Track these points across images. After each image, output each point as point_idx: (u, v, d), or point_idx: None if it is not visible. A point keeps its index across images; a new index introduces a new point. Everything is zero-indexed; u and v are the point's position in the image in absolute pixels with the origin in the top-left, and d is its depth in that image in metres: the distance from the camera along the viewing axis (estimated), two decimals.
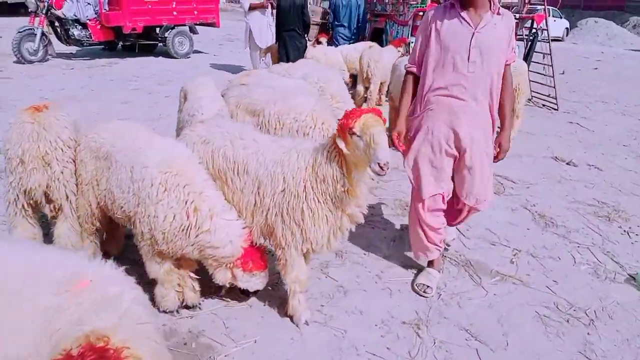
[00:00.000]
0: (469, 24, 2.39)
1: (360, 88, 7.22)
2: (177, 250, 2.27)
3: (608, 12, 27.81)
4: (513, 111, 2.48)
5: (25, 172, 2.35)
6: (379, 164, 1.97)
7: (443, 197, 2.73)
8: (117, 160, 2.33)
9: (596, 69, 13.48)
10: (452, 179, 2.73)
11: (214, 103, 3.15)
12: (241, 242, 2.30)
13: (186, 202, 2.20)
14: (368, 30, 8.79)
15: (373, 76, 6.90)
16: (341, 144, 2.05)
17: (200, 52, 12.64)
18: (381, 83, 7.12)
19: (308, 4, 9.91)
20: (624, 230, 3.73)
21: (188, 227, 2.21)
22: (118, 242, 2.96)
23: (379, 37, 8.63)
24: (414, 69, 2.66)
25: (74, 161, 2.50)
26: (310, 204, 2.15)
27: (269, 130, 3.45)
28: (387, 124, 3.35)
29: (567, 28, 23.56)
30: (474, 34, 2.39)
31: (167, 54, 11.35)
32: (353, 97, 7.43)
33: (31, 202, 2.46)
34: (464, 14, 2.40)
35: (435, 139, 2.59)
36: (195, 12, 11.57)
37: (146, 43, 11.50)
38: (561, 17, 22.92)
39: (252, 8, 8.21)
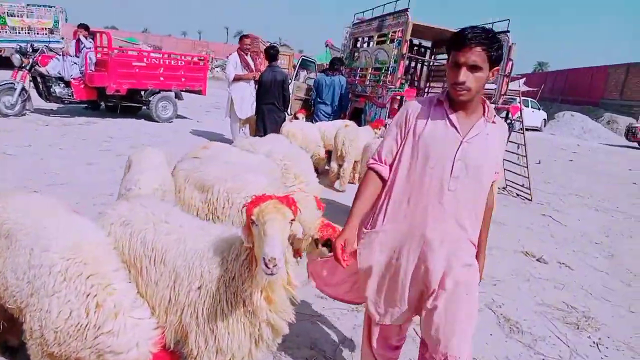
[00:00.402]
0: (457, 131, 1.91)
1: (334, 165, 7.15)
2: (70, 353, 1.93)
3: (584, 106, 29.32)
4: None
5: None
6: (264, 258, 1.66)
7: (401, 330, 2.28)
8: (18, 240, 2.05)
9: (572, 160, 13.81)
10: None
11: (155, 177, 2.92)
12: (150, 346, 1.97)
13: (87, 296, 1.90)
14: (349, 109, 8.92)
15: (347, 154, 6.86)
16: (242, 234, 1.80)
17: (184, 117, 12.71)
18: (356, 162, 7.07)
19: (293, 80, 10.16)
20: (594, 342, 3.45)
21: (86, 326, 1.89)
22: (19, 331, 2.58)
23: (358, 116, 8.74)
24: (381, 169, 2.06)
25: None
26: (224, 307, 1.86)
27: (217, 208, 3.24)
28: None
29: (544, 119, 24.61)
30: (461, 143, 1.90)
31: (150, 117, 11.35)
32: (328, 173, 7.39)
33: None
34: (452, 116, 1.92)
35: (402, 271, 2.03)
36: (183, 79, 11.75)
37: (129, 105, 11.52)
38: (539, 109, 24.00)
39: (237, 79, 8.32)
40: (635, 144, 20.47)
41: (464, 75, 1.80)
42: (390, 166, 2.06)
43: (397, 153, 2.04)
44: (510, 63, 7.88)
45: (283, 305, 1.89)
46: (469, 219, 1.97)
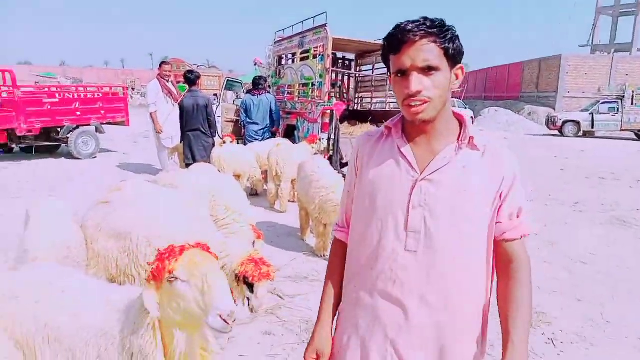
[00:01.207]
0: (410, 166, 1.31)
1: (271, 186, 6.92)
2: None
3: (506, 101, 31.16)
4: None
5: None
6: (220, 315, 1.41)
7: None
8: None
9: None
10: None
11: (56, 233, 2.54)
12: None
13: None
14: (281, 126, 8.74)
15: (283, 174, 6.65)
16: (149, 302, 1.49)
17: (109, 150, 11.98)
18: (293, 180, 6.87)
19: (220, 102, 9.84)
20: (548, 338, 3.42)
21: None
22: None
23: (292, 133, 8.58)
24: (343, 236, 1.53)
25: None
26: None
27: (138, 257, 2.89)
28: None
29: (472, 117, 25.81)
30: (415, 183, 1.29)
31: (71, 155, 10.55)
32: (267, 194, 7.14)
33: None
34: (404, 147, 1.33)
35: None
36: (102, 112, 11.07)
37: (46, 144, 10.66)
38: (466, 107, 25.15)
39: (152, 118, 7.94)
40: (556, 132, 21.87)
41: (417, 81, 1.22)
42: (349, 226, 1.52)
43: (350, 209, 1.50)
44: None
45: None
46: (445, 295, 1.28)
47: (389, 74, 1.34)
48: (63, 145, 10.81)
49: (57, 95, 10.45)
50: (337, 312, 1.50)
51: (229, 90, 10.29)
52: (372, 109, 10.21)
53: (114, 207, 3.02)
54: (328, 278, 1.53)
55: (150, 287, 1.51)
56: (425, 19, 1.25)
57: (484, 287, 1.34)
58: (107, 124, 11.47)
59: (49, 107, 10.00)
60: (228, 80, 10.45)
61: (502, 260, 1.35)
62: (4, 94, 9.65)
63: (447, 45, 1.23)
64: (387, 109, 9.73)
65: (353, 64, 10.52)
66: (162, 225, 2.89)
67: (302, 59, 8.52)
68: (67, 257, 2.52)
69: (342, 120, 7.76)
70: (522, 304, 1.30)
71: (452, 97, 8.26)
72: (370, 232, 1.35)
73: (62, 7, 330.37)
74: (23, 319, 1.81)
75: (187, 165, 6.44)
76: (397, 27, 1.26)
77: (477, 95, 37.04)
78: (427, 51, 1.22)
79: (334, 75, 9.49)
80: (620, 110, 20.22)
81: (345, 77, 10.76)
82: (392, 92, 9.66)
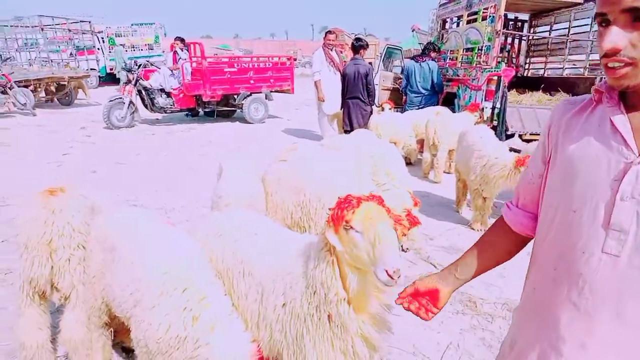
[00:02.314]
0: (625, 143, 0.97)
1: (426, 155, 6.82)
2: None
3: None
4: None
5: (29, 260, 2.22)
6: (386, 271, 1.45)
7: None
8: (121, 254, 2.13)
9: None
10: None
11: (243, 184, 2.94)
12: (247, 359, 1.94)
13: (184, 310, 1.91)
14: (441, 94, 8.46)
15: (440, 144, 6.49)
16: (333, 239, 1.60)
17: (275, 116, 13.06)
18: (451, 150, 6.66)
19: (379, 69, 9.89)
20: None
21: (185, 338, 1.90)
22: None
23: (451, 101, 8.25)
24: (510, 218, 1.31)
25: (85, 248, 2.35)
26: (309, 326, 1.73)
27: (310, 211, 3.19)
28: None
29: None
30: (630, 166, 0.96)
31: (244, 120, 11.82)
32: (421, 164, 7.07)
33: (37, 290, 2.32)
34: (618, 117, 1.00)
35: None
36: (271, 81, 12.05)
37: (225, 109, 12.08)
38: None
39: (316, 86, 8.35)
40: None
41: (614, 35, 0.91)
42: (524, 207, 1.28)
43: (541, 190, 1.20)
44: None
45: (376, 315, 1.73)
46: None
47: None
48: (238, 110, 12.13)
49: (235, 65, 11.68)
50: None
51: (388, 57, 10.25)
52: (545, 75, 9.19)
53: (290, 164, 3.36)
54: (476, 243, 1.37)
55: (330, 228, 1.64)
56: None
57: None
58: (275, 91, 12.47)
59: (229, 76, 11.25)
60: (388, 47, 10.40)
61: None
62: (194, 65, 11.13)
63: None
64: (565, 75, 8.66)
65: (526, 25, 9.53)
66: (331, 184, 3.11)
67: (468, 22, 8.02)
68: (251, 205, 2.90)
69: (509, 88, 7.17)
70: None
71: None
72: (558, 226, 1.09)
73: None
74: (225, 255, 2.17)
75: (346, 132, 6.70)
76: None
77: None
78: None
79: (503, 38, 8.73)
80: None
81: (516, 41, 9.83)
82: (573, 57, 8.55)
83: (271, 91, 12.29)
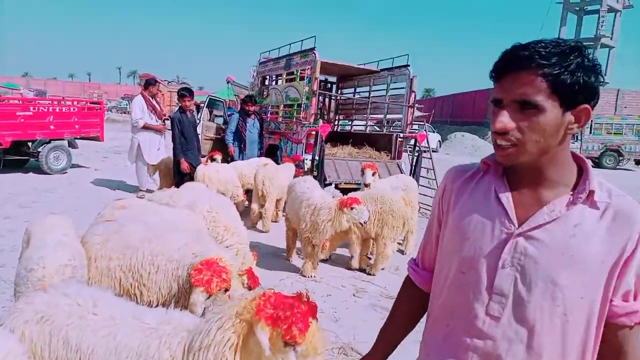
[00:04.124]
0: (506, 216, 1.10)
1: (255, 206, 6.91)
2: None
3: (471, 126, 32.29)
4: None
5: None
6: None
7: None
8: None
9: None
10: None
11: (62, 251, 2.48)
12: None
13: None
14: (263, 146, 8.79)
15: (268, 194, 6.66)
16: (265, 341, 1.38)
17: (80, 166, 11.63)
18: (278, 200, 6.89)
19: (201, 120, 9.81)
20: None
21: None
22: None
23: (273, 153, 8.63)
24: (414, 276, 1.39)
25: None
26: None
27: (142, 275, 2.85)
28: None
29: (439, 141, 26.61)
30: (509, 237, 1.08)
31: (40, 170, 10.19)
32: (249, 214, 7.10)
33: None
34: (502, 192, 1.12)
35: None
36: (77, 127, 10.78)
37: (15, 158, 10.26)
38: (434, 132, 25.89)
39: (146, 127, 7.87)
40: None
41: (504, 117, 1.03)
42: (425, 265, 1.37)
43: (431, 248, 1.32)
44: (413, 94, 8.35)
45: None
46: None
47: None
48: (32, 159, 10.44)
49: (31, 108, 10.11)
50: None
51: (210, 107, 10.27)
52: (352, 130, 10.41)
53: (119, 224, 2.99)
54: (392, 309, 1.42)
55: (265, 328, 1.40)
56: (541, 42, 1.01)
57: None
58: (81, 138, 11.17)
59: (22, 120, 9.66)
60: (210, 98, 10.44)
61: (609, 350, 1.08)
62: None
63: (561, 78, 0.98)
64: (368, 132, 9.97)
65: (334, 86, 10.74)
66: (166, 245, 2.87)
67: (287, 80, 8.65)
68: (73, 277, 2.46)
69: (325, 142, 7.89)
70: None
71: (420, 121, 8.48)
72: (449, 286, 1.18)
73: (24, 16, 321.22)
74: (53, 345, 1.76)
75: (176, 185, 6.37)
76: (505, 52, 1.06)
77: (444, 120, 38.22)
78: (526, 84, 1.00)
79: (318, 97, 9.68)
80: (579, 138, 21.33)
81: (327, 100, 10.96)
82: (373, 116, 9.91)
83: (76, 138, 10.96)
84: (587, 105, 1.02)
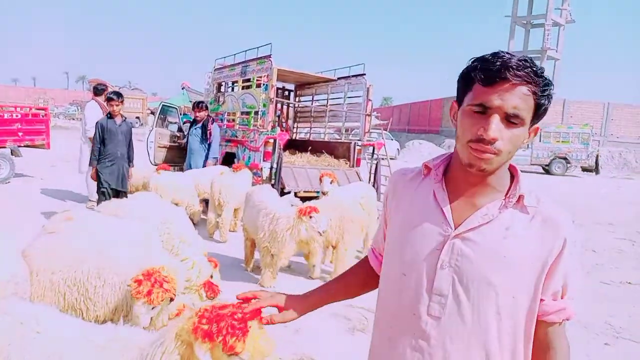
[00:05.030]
0: (444, 219, 1.15)
1: (211, 216, 6.75)
2: None
3: (428, 134, 33.22)
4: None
5: None
6: None
7: None
8: None
9: None
10: None
11: (2, 268, 2.31)
12: None
13: None
14: (220, 153, 8.64)
15: (226, 203, 6.52)
16: (205, 359, 1.34)
17: (24, 175, 11.01)
18: (236, 209, 6.76)
19: (155, 127, 9.53)
20: None
21: None
22: None
23: (231, 161, 8.49)
24: (371, 258, 1.43)
25: None
26: None
27: (88, 289, 2.71)
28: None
29: (398, 148, 27.16)
30: (447, 239, 1.13)
31: None
32: (205, 224, 6.93)
33: None
34: (441, 196, 1.18)
35: None
36: (20, 134, 10.20)
37: None
38: (392, 139, 26.39)
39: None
40: None
41: (496, 128, 1.04)
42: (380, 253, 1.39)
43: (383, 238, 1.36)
44: (370, 103, 8.47)
45: None
46: None
47: (458, 102, 1.15)
48: None
49: None
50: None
51: (164, 114, 9.99)
52: (311, 138, 10.43)
53: (62, 236, 2.82)
54: (342, 274, 1.47)
55: (204, 345, 1.34)
56: (528, 61, 1.04)
57: None
58: (25, 146, 10.58)
59: None
60: (164, 105, 10.16)
61: (539, 346, 1.15)
62: None
63: (542, 101, 1.06)
64: (326, 140, 10.01)
65: (292, 94, 10.73)
66: (113, 258, 2.74)
67: (243, 87, 8.56)
68: (15, 294, 2.29)
69: (283, 150, 7.86)
70: None
71: (378, 129, 8.72)
72: (392, 287, 1.22)
73: None
74: None
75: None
76: (498, 56, 1.04)
77: (402, 128, 39.09)
78: (521, 99, 1.03)
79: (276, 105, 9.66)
80: (530, 146, 22.31)
81: (285, 107, 10.93)
82: (331, 123, 9.95)
83: (19, 146, 10.37)
84: (538, 125, 1.12)
